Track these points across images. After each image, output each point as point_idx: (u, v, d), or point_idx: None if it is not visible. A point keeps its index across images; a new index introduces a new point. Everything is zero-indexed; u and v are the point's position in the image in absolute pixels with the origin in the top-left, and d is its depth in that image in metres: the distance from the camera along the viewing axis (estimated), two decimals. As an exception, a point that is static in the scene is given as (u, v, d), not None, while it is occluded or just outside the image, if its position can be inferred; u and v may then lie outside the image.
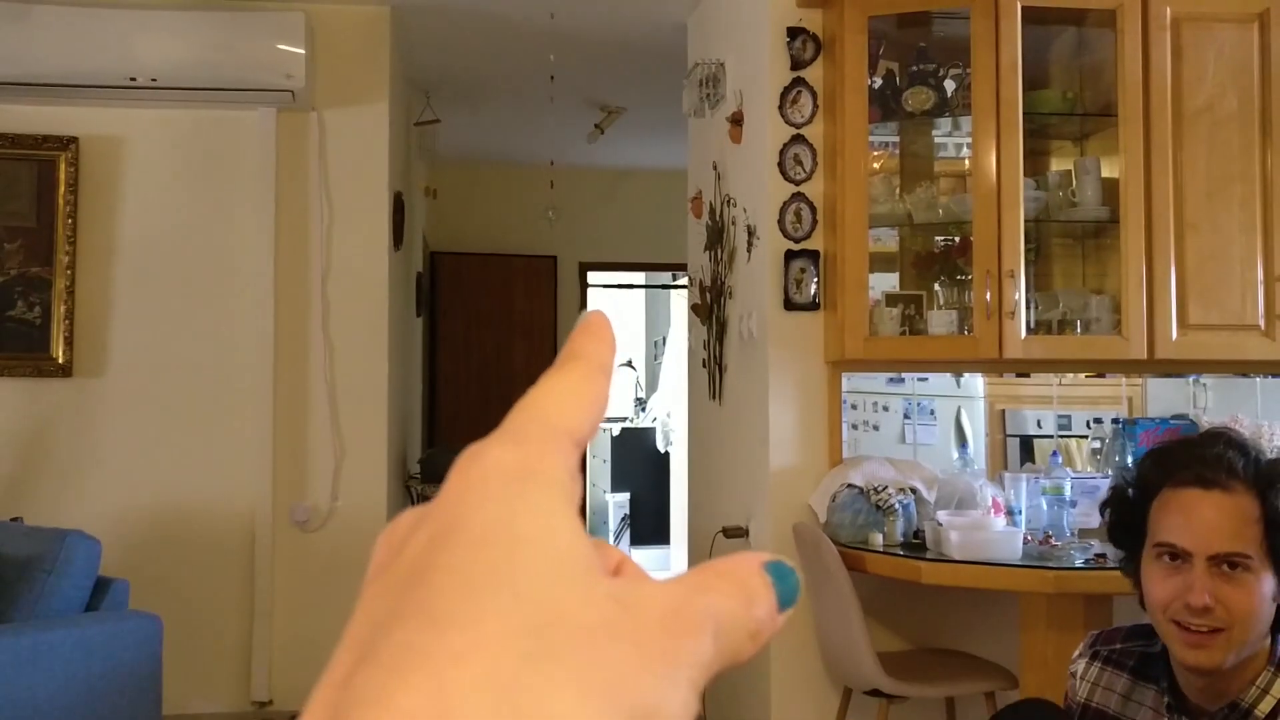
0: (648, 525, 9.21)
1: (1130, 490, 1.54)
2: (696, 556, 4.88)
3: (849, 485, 3.70)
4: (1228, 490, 1.44)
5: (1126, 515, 1.54)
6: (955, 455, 4.13)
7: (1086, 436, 4.24)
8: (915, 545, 3.54)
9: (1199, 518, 1.45)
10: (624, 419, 9.78)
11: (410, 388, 6.59)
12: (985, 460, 4.17)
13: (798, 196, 3.88)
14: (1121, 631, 1.64)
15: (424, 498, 6.10)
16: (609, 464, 9.29)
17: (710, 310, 4.54)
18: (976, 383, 4.25)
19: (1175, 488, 1.48)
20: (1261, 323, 3.68)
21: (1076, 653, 1.74)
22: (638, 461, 9.25)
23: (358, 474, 4.86)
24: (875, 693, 3.48)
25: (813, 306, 3.84)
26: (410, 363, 6.59)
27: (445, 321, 8.01)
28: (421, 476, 5.96)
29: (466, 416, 7.91)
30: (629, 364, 10.08)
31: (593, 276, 8.16)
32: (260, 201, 4.75)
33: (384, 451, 4.94)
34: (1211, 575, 1.43)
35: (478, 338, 8.08)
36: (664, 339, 9.44)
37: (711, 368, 4.56)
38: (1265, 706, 1.45)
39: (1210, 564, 1.43)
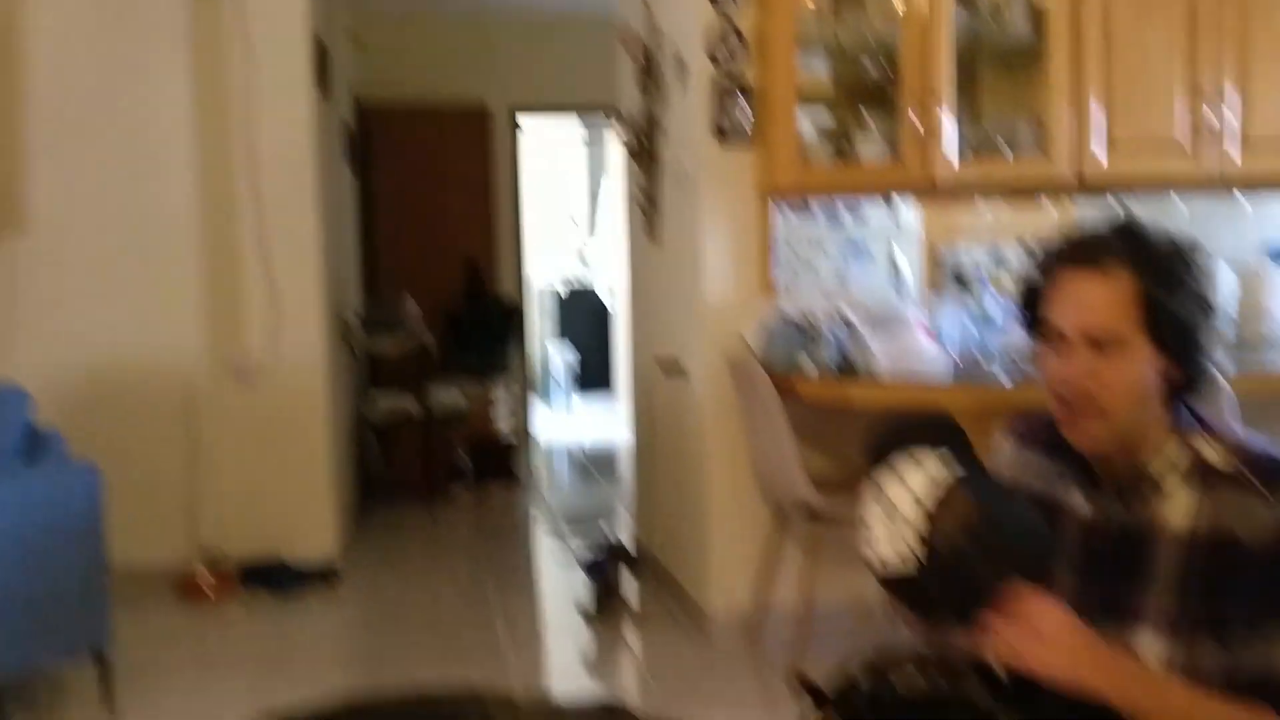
0: (594, 376, 9.30)
1: (1032, 280, 1.57)
2: (639, 395, 4.94)
3: (781, 315, 3.74)
4: (1104, 270, 1.46)
5: (1030, 304, 1.57)
6: (887, 287, 4.17)
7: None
8: (846, 371, 3.60)
9: (1074, 298, 1.47)
10: (566, 271, 9.76)
11: (345, 243, 6.51)
12: (921, 293, 4.21)
13: (728, 27, 3.81)
14: (1039, 414, 1.67)
15: (365, 351, 6.10)
16: (552, 315, 9.31)
17: (644, 149, 4.50)
18: (912, 220, 4.27)
19: (1060, 270, 1.51)
20: (1188, 145, 3.72)
21: (999, 434, 1.79)
22: (581, 314, 9.28)
23: (294, 327, 4.82)
24: (809, 513, 3.59)
25: (744, 138, 3.82)
26: (344, 218, 6.49)
27: (379, 178, 7.86)
28: (360, 328, 5.93)
29: (404, 272, 7.84)
30: (570, 216, 10.01)
31: (525, 121, 8.01)
32: (176, 46, 4.59)
33: (320, 304, 4.90)
34: (1087, 352, 1.46)
35: (413, 194, 7.95)
36: (604, 190, 9.38)
37: (647, 208, 4.55)
38: (1164, 472, 1.50)
39: (1086, 342, 1.46)
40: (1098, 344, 1.46)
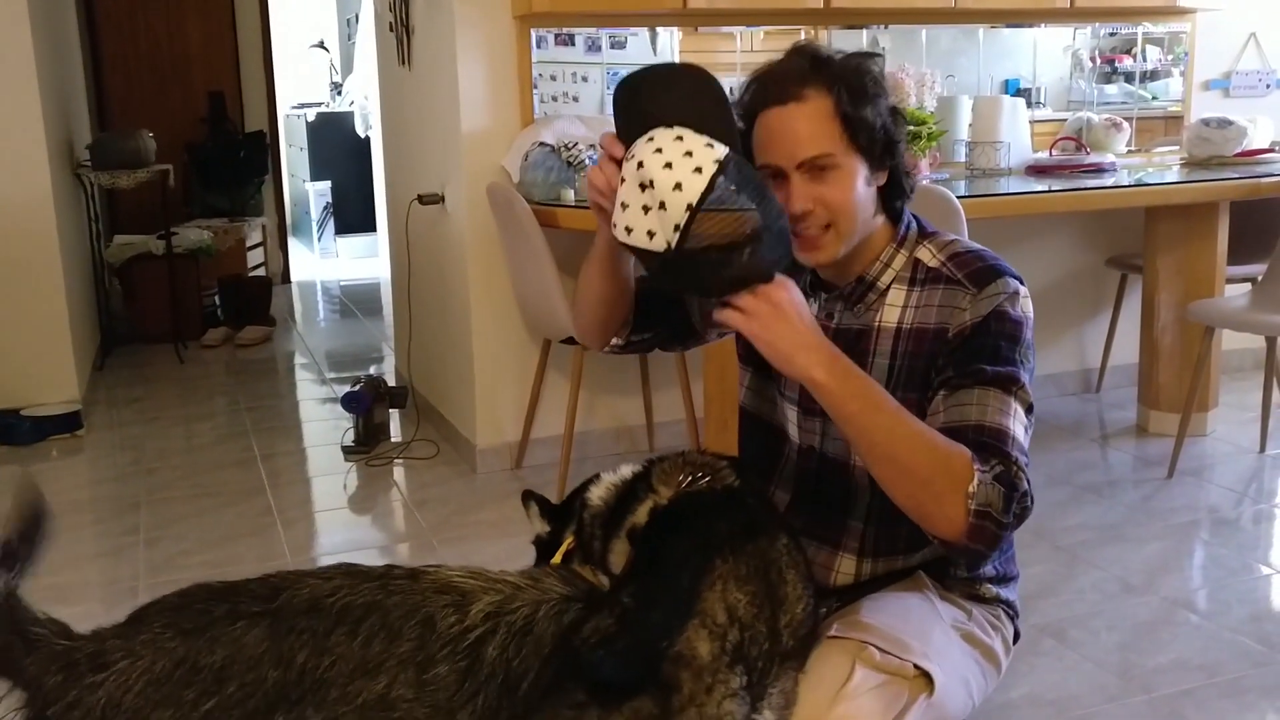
0: (354, 214, 8.98)
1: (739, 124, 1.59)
2: (395, 230, 4.82)
3: (541, 144, 3.69)
4: (801, 99, 1.51)
5: (744, 148, 1.59)
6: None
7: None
8: (605, 199, 3.61)
9: (780, 133, 1.52)
10: (319, 104, 9.30)
11: (69, 69, 5.97)
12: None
13: None
14: None
15: (97, 186, 5.68)
16: (306, 152, 8.89)
17: (393, -32, 4.28)
18: (672, 49, 4.25)
19: (761, 111, 1.54)
20: (928, -28, 3.83)
21: None
22: (338, 149, 8.88)
23: (14, 163, 4.43)
24: (571, 341, 3.63)
25: (498, -42, 3.68)
26: (65, 41, 5.93)
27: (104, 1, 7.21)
28: (92, 164, 5.51)
29: (139, 101, 7.30)
30: (321, 45, 9.48)
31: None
32: None
33: (41, 135, 4.50)
34: (805, 181, 1.52)
35: (145, 16, 7.34)
36: (357, 17, 8.89)
37: (399, 31, 4.35)
38: (886, 278, 1.61)
39: (801, 171, 1.52)
40: (814, 169, 1.51)
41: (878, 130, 1.52)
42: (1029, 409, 1.47)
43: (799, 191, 1.52)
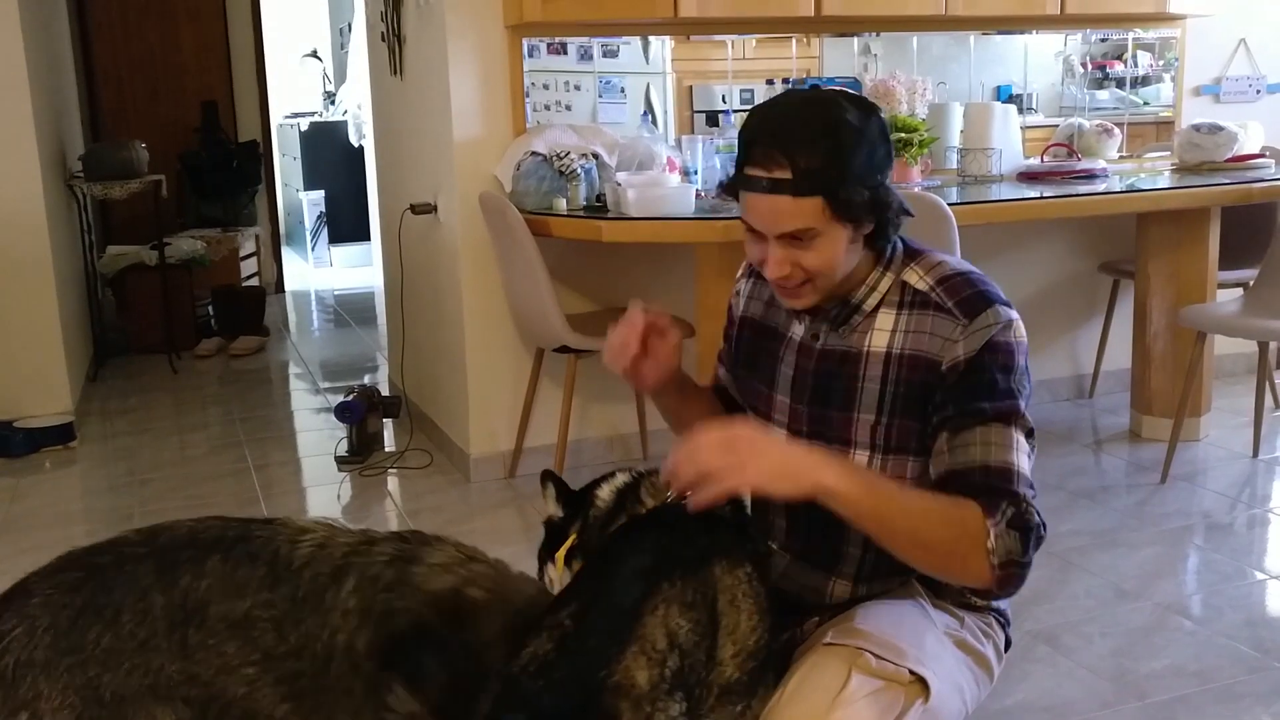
0: (347, 223, 8.97)
1: (729, 185, 1.59)
2: (388, 239, 4.82)
3: (533, 153, 3.69)
4: (783, 193, 1.48)
5: (732, 189, 1.59)
6: (639, 125, 4.18)
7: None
8: (597, 208, 3.62)
9: (763, 211, 1.51)
10: (313, 113, 9.30)
11: (61, 79, 5.97)
12: (673, 133, 4.24)
13: None
14: None
15: (90, 197, 5.68)
16: (299, 161, 8.88)
17: (384, -23, 4.28)
18: (664, 58, 4.26)
19: (746, 181, 1.52)
20: (919, -19, 3.84)
21: (739, 273, 1.86)
22: (331, 158, 8.87)
23: (6, 174, 4.43)
24: (564, 349, 3.63)
25: (489, -33, 3.68)
26: (58, 51, 5.93)
27: (97, 8, 7.21)
28: (85, 174, 5.50)
29: (133, 111, 7.29)
30: (314, 54, 9.48)
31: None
32: None
33: (34, 145, 4.50)
34: (785, 247, 1.52)
35: (139, 26, 7.35)
36: (350, 26, 8.89)
37: (391, 40, 4.35)
38: (872, 301, 1.60)
39: (781, 240, 1.52)
40: (794, 239, 1.51)
41: (862, 203, 1.49)
42: (1030, 434, 1.50)
43: (777, 256, 1.52)
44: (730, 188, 1.58)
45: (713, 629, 1.39)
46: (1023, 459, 1.47)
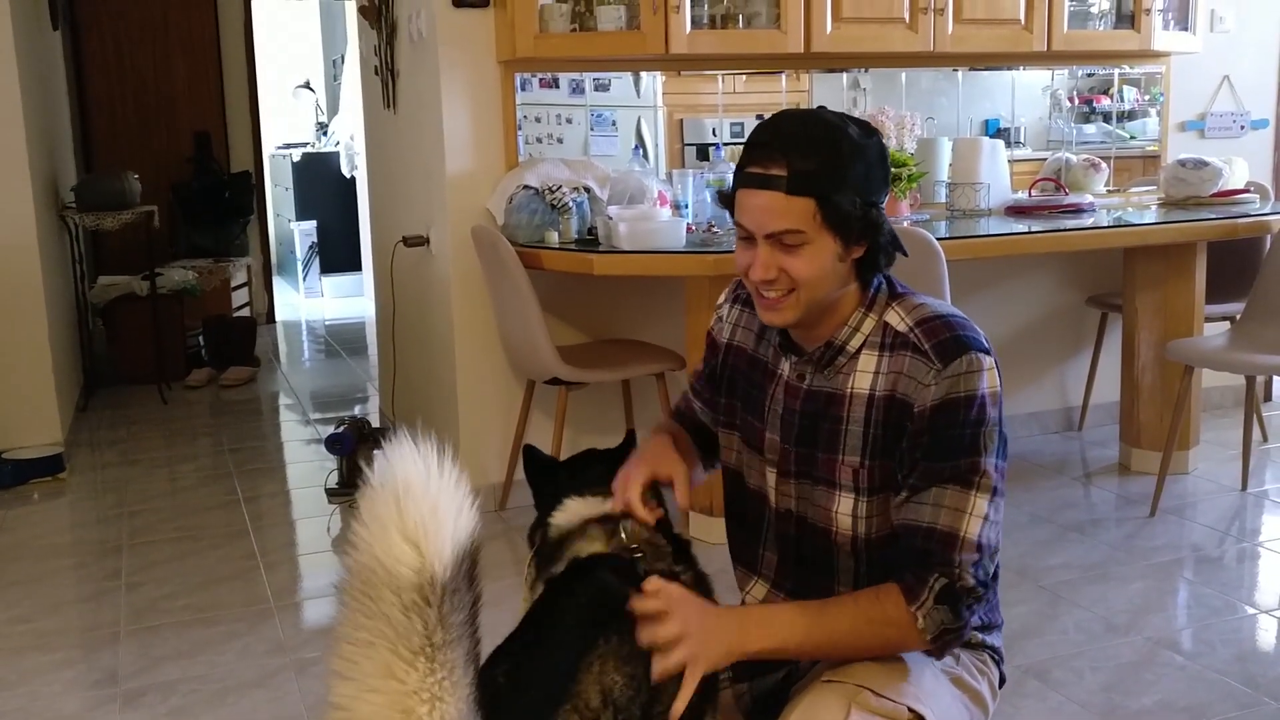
0: (339, 254, 8.99)
1: (726, 189, 1.64)
2: (380, 270, 4.83)
3: (525, 186, 3.71)
4: (776, 189, 1.51)
5: (729, 202, 1.62)
6: (630, 158, 4.21)
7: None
8: (589, 241, 3.63)
9: (755, 209, 1.54)
10: (305, 144, 9.33)
11: (56, 110, 5.99)
12: (664, 166, 4.27)
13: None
14: None
15: (82, 228, 5.68)
16: (291, 192, 8.90)
17: (379, 11, 4.31)
18: (655, 91, 4.29)
19: (743, 178, 1.55)
20: (906, 15, 3.88)
21: (721, 298, 1.86)
22: (323, 189, 8.89)
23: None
24: (555, 381, 3.64)
25: (482, 3, 3.72)
26: (52, 82, 5.95)
27: (92, 38, 7.25)
28: (77, 205, 5.51)
29: (125, 142, 7.32)
30: (307, 85, 9.53)
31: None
32: None
33: (26, 176, 4.51)
34: (772, 250, 1.54)
35: (132, 57, 7.38)
36: (343, 58, 8.94)
37: (384, 74, 4.38)
38: (855, 342, 1.60)
39: (769, 240, 1.54)
40: (782, 241, 1.52)
41: (854, 216, 1.51)
42: (993, 493, 1.50)
43: (764, 259, 1.53)
44: (729, 197, 1.60)
45: (648, 681, 1.39)
46: (974, 524, 1.47)
